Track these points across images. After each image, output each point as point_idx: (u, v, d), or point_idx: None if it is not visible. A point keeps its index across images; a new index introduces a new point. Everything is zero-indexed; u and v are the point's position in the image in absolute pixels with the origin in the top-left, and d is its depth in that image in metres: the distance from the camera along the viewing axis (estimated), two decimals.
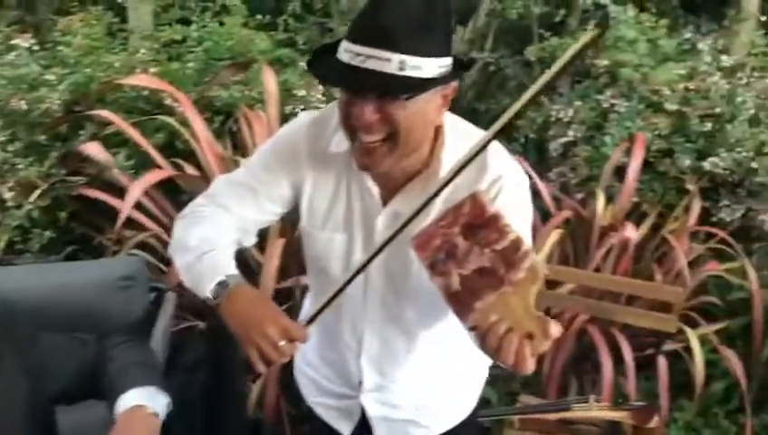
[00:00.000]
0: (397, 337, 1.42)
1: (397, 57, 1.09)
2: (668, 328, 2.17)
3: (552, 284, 2.58)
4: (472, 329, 1.04)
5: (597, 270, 2.64)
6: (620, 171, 3.07)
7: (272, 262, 2.36)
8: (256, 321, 1.19)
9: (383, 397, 1.49)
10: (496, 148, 1.26)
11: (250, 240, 1.42)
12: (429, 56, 1.11)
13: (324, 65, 1.18)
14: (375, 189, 1.28)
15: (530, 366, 1.02)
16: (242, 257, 2.67)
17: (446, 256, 1.06)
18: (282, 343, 1.18)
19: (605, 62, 3.44)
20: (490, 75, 4.12)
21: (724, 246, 2.91)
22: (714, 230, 2.93)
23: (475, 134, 1.25)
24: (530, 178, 3.11)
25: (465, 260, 1.05)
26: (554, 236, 2.62)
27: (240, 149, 2.92)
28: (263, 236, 2.61)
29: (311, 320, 1.24)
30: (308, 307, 1.59)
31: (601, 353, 2.48)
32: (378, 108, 1.13)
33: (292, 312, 2.40)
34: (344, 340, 1.44)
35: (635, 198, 3.07)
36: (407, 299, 1.35)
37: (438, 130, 1.25)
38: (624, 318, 2.29)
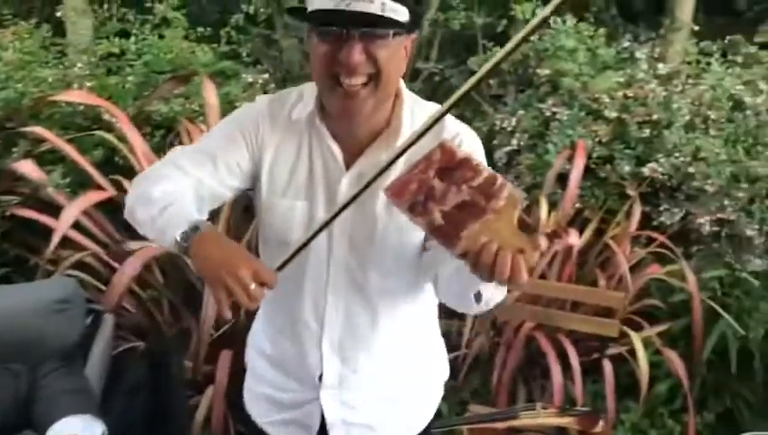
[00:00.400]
0: (360, 311, 1.40)
1: (378, 0, 1.18)
2: (611, 333, 2.20)
3: None
4: (462, 256, 1.06)
5: (542, 277, 2.66)
6: (563, 178, 3.12)
7: None
8: (228, 262, 1.17)
9: (344, 395, 1.45)
10: (450, 117, 1.33)
11: (203, 211, 1.37)
12: (401, 2, 1.21)
13: (310, 12, 1.23)
14: (338, 152, 1.32)
15: (524, 277, 1.06)
16: (184, 277, 2.65)
17: (424, 198, 1.09)
18: (252, 285, 1.16)
19: (546, 72, 3.49)
20: (435, 85, 4.15)
21: (664, 250, 2.98)
22: (654, 235, 2.99)
23: (426, 105, 1.36)
24: None
25: (444, 198, 1.08)
26: None
27: None
28: None
29: (281, 266, 1.22)
30: (258, 328, 1.56)
31: (550, 360, 2.50)
32: (363, 49, 1.20)
33: (236, 333, 2.38)
34: (304, 320, 1.41)
35: (578, 204, 3.12)
36: (371, 263, 1.35)
37: (398, 91, 1.32)
38: (569, 324, 2.32)
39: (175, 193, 1.29)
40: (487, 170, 1.10)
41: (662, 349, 2.75)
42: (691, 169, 3.03)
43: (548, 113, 3.33)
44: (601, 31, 3.67)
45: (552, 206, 3.11)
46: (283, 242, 1.34)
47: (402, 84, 1.34)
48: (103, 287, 2.43)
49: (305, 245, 1.22)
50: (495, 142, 3.46)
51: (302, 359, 1.44)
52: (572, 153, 3.10)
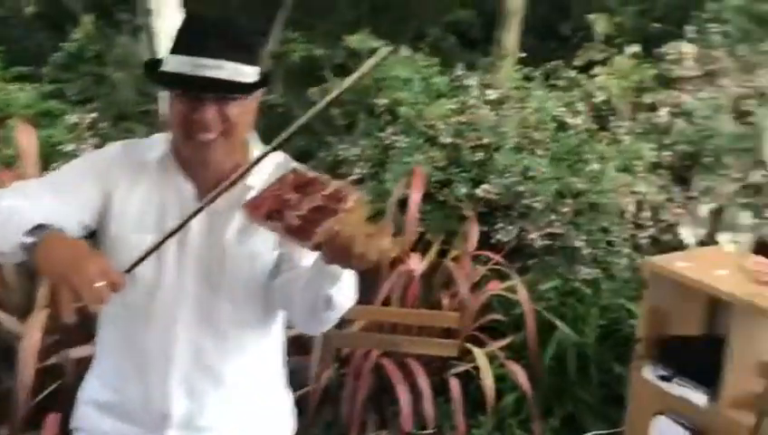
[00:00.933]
0: (210, 344, 1.41)
1: (230, 65, 1.31)
2: (451, 353, 2.26)
3: (340, 323, 2.60)
4: (317, 247, 1.15)
5: (385, 303, 2.70)
6: (405, 204, 3.20)
7: (33, 334, 2.15)
8: (74, 259, 1.15)
9: None
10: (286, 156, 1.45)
11: None
12: (251, 64, 1.34)
13: (166, 76, 1.34)
14: (191, 190, 1.40)
15: (374, 254, 1.13)
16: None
17: (280, 208, 1.19)
18: (99, 283, 1.13)
19: (384, 101, 3.59)
20: (278, 117, 4.14)
21: (503, 267, 3.11)
22: (490, 254, 3.11)
23: (278, 152, 1.43)
24: None
25: (299, 205, 1.19)
26: None
27: None
28: (26, 307, 2.40)
29: (131, 268, 1.22)
30: (92, 378, 1.51)
31: (396, 386, 2.52)
32: (216, 109, 1.31)
33: (63, 392, 2.22)
34: (151, 356, 1.40)
35: (420, 228, 3.20)
36: (223, 292, 1.40)
37: (248, 137, 1.44)
38: (411, 348, 2.36)
39: (20, 208, 1.28)
40: (335, 182, 1.24)
41: (506, 362, 2.86)
42: (521, 188, 3.20)
43: (387, 141, 3.42)
44: (434, 60, 3.83)
45: (398, 232, 3.18)
46: (131, 277, 1.30)
47: (252, 131, 1.45)
48: None
49: (155, 249, 1.24)
50: (341, 172, 3.50)
51: (147, 399, 1.43)
52: (411, 179, 3.18)
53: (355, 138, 3.61)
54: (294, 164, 1.39)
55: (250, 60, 1.34)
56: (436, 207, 3.29)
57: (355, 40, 3.67)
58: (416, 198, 3.11)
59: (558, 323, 2.96)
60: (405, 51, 3.80)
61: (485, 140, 3.37)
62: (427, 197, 3.29)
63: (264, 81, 1.38)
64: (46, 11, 6.98)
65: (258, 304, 1.43)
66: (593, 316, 3.05)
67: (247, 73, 1.33)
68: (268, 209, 1.20)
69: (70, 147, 2.86)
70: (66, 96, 3.47)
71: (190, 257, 1.38)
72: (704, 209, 2.85)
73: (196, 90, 1.31)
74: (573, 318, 3.07)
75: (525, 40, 4.88)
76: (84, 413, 1.51)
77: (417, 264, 2.80)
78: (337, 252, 1.15)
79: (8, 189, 1.39)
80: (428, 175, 3.30)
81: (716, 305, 2.59)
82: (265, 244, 1.39)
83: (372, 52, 3.68)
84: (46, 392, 2.27)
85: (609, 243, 3.23)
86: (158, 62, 1.39)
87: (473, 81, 3.75)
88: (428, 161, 3.32)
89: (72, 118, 3.03)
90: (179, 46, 1.34)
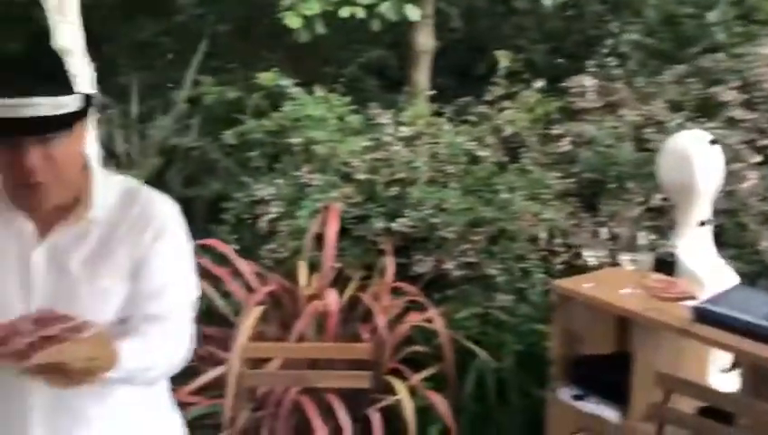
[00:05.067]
0: (72, 426, 1.36)
1: (47, 100, 1.22)
2: (364, 384, 2.26)
3: (259, 361, 2.58)
4: (37, 371, 1.16)
5: (302, 340, 2.68)
6: (323, 241, 3.22)
7: None
8: None
9: None
10: (145, 188, 1.44)
11: None
12: (69, 94, 1.27)
13: None
14: (29, 229, 1.34)
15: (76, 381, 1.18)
16: None
17: (9, 335, 1.17)
18: None
19: (299, 140, 3.62)
20: (195, 160, 4.13)
21: (421, 298, 3.15)
22: (407, 286, 3.15)
23: (116, 177, 1.45)
24: (229, 260, 3.14)
25: (32, 334, 1.16)
26: (255, 312, 2.63)
27: None
28: None
29: None
30: None
31: (314, 424, 2.50)
32: (40, 152, 1.24)
33: None
34: (10, 403, 1.35)
35: (338, 264, 3.22)
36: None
37: (84, 164, 1.38)
38: (325, 382, 2.35)
39: None
40: (82, 320, 1.22)
41: (427, 393, 2.87)
42: (435, 220, 3.27)
43: (304, 180, 3.44)
44: (347, 99, 3.90)
45: (315, 268, 3.18)
46: None
47: (88, 157, 1.39)
48: None
49: None
50: (257, 212, 3.50)
51: None
52: (326, 216, 3.21)
53: (272, 178, 3.61)
54: (145, 190, 1.41)
55: (65, 89, 1.27)
56: (354, 242, 3.32)
57: (267, 78, 3.71)
58: (331, 233, 3.14)
59: (476, 350, 3.01)
60: (319, 91, 3.85)
61: (400, 175, 3.44)
62: (344, 232, 3.32)
63: (85, 106, 1.31)
64: None
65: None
66: (510, 342, 3.11)
67: (66, 104, 1.26)
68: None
69: None
70: None
71: (36, 299, 1.31)
72: (604, 232, 2.97)
73: (12, 133, 1.22)
74: (492, 345, 3.12)
75: (440, 79, 5.03)
76: None
77: (333, 299, 2.81)
78: (52, 374, 1.16)
79: None
80: (344, 211, 3.34)
81: (625, 323, 2.69)
82: (115, 277, 1.35)
83: (283, 90, 3.73)
84: None
85: (524, 270, 3.31)
86: None
87: (386, 118, 3.82)
88: (344, 197, 3.36)
89: None
90: None
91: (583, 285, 2.69)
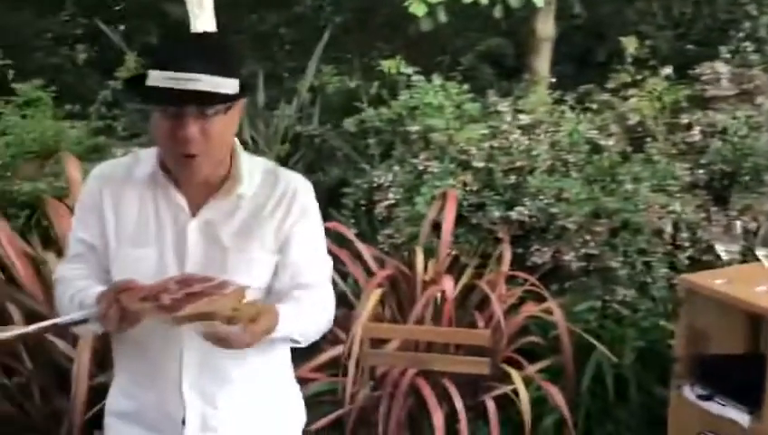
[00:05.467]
0: (217, 384, 1.48)
1: (209, 78, 1.33)
2: (482, 370, 2.27)
3: (376, 342, 2.64)
4: (183, 321, 1.26)
5: (419, 324, 2.72)
6: (439, 228, 3.25)
7: (84, 355, 2.25)
8: None
9: None
10: (283, 170, 1.55)
11: None
12: (229, 76, 1.36)
13: (145, 91, 1.36)
14: (184, 202, 1.45)
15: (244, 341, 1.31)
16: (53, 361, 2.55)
17: (157, 293, 1.27)
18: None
19: (417, 128, 3.66)
20: (317, 148, 4.25)
21: (539, 289, 3.11)
22: (526, 275, 3.12)
23: (256, 158, 1.55)
24: (352, 242, 3.23)
25: (176, 292, 1.27)
26: (375, 295, 2.69)
27: (51, 243, 2.80)
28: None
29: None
30: (113, 389, 1.58)
31: (430, 406, 2.54)
32: (198, 126, 1.34)
33: None
34: (162, 364, 1.47)
35: (454, 251, 3.23)
36: None
37: (233, 146, 1.47)
38: (443, 366, 2.38)
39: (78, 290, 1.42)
40: (222, 279, 1.34)
41: (543, 384, 2.84)
42: (555, 210, 3.21)
43: (421, 167, 3.47)
44: (465, 87, 3.89)
45: (431, 254, 3.22)
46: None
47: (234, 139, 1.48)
48: None
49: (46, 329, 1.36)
50: (375, 198, 3.57)
51: (162, 405, 1.49)
52: (444, 203, 3.23)
53: (389, 165, 3.67)
54: (284, 171, 1.51)
55: (227, 72, 1.36)
56: (470, 230, 3.32)
57: (388, 65, 3.75)
58: (449, 220, 3.15)
59: (596, 344, 2.94)
60: (437, 79, 3.87)
61: (518, 164, 3.40)
62: (461, 220, 3.33)
63: (242, 92, 1.40)
64: (96, 57, 7.35)
65: None
66: (631, 337, 3.01)
67: (226, 85, 1.35)
68: (146, 295, 1.27)
69: None
70: (114, 132, 3.64)
71: (189, 267, 1.43)
72: (738, 226, 2.81)
73: (175, 103, 1.33)
74: (611, 339, 3.04)
75: (559, 66, 4.92)
76: (109, 424, 1.58)
77: (450, 286, 2.83)
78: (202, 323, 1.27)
79: (62, 285, 1.49)
80: (461, 198, 3.34)
81: (758, 323, 2.55)
82: (263, 249, 1.46)
83: (404, 75, 3.77)
84: (94, 411, 2.35)
85: (647, 263, 3.20)
86: (140, 78, 1.41)
87: (505, 106, 3.79)
88: (461, 185, 3.36)
89: (119, 152, 3.19)
90: (157, 62, 1.36)
91: (714, 281, 2.56)
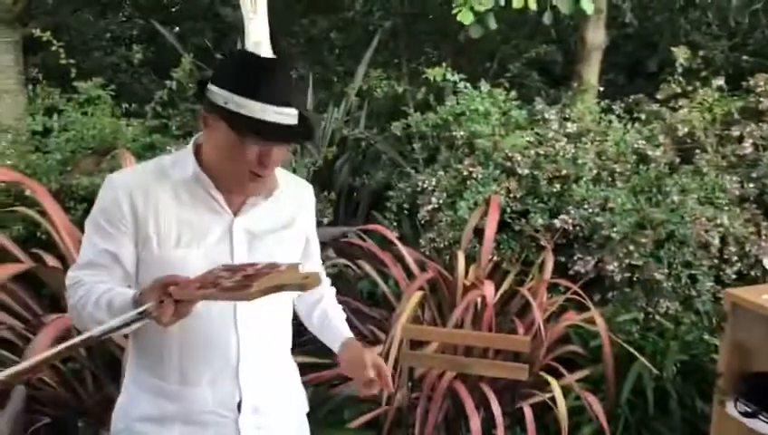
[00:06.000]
0: (259, 333, 1.57)
1: (295, 112, 1.41)
2: (521, 376, 2.27)
3: (416, 344, 2.68)
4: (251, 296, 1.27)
5: (459, 328, 2.74)
6: (482, 233, 3.26)
7: None
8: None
9: (259, 420, 1.58)
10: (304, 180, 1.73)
11: None
12: (305, 108, 1.50)
13: (254, 125, 1.39)
14: (223, 201, 1.51)
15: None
16: (105, 348, 2.65)
17: (214, 279, 1.31)
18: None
19: (462, 133, 3.68)
20: (363, 151, 4.31)
21: (581, 298, 3.10)
22: (568, 283, 3.11)
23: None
24: (392, 244, 3.26)
25: (233, 276, 1.31)
26: (415, 297, 2.72)
27: None
28: None
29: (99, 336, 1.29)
30: (140, 402, 1.58)
31: (468, 410, 2.55)
32: (280, 151, 1.46)
33: None
34: (217, 354, 1.52)
35: (495, 257, 3.24)
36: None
37: None
38: (482, 371, 2.39)
39: (108, 292, 1.41)
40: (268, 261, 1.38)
41: (582, 394, 2.83)
42: (599, 219, 3.19)
43: (465, 172, 3.49)
44: (512, 94, 3.89)
45: (472, 259, 3.23)
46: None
47: None
48: (19, 361, 2.41)
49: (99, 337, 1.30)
50: (419, 202, 3.60)
51: (216, 395, 1.54)
52: (487, 209, 3.24)
53: (433, 169, 3.70)
54: (295, 176, 1.67)
55: (305, 104, 1.46)
56: (513, 236, 3.33)
57: (434, 73, 3.79)
58: (491, 226, 3.16)
59: (637, 356, 2.91)
60: (485, 86, 3.88)
61: (564, 172, 3.39)
62: (504, 226, 3.34)
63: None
64: (152, 57, 7.56)
65: (289, 306, 1.68)
66: (674, 350, 2.98)
67: (307, 117, 1.45)
68: (201, 284, 1.29)
69: None
70: (169, 130, 3.77)
71: (239, 263, 1.51)
72: None
73: (286, 140, 1.45)
74: (653, 352, 3.01)
75: (608, 75, 4.88)
76: (141, 431, 1.55)
77: (490, 291, 2.84)
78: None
79: (82, 288, 1.45)
80: (505, 205, 3.35)
81: None
82: (297, 243, 1.64)
83: (450, 82, 3.79)
84: None
85: (692, 276, 3.16)
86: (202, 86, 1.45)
87: (552, 114, 3.78)
88: (505, 192, 3.37)
89: (173, 149, 3.30)
90: (250, 89, 1.36)
91: (761, 296, 2.52)
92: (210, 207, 1.50)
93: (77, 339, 1.25)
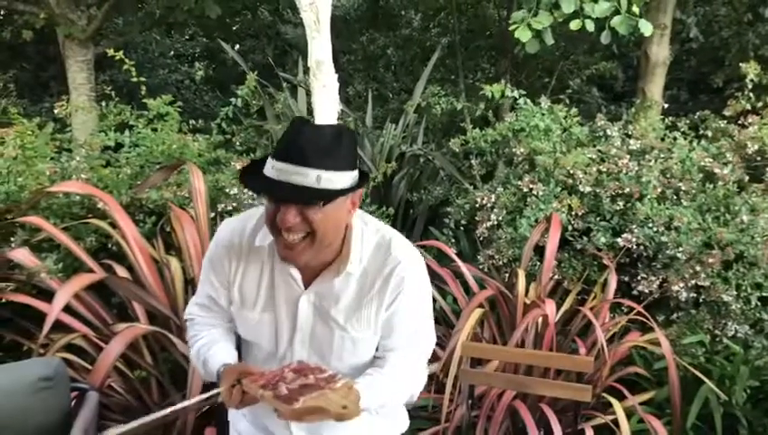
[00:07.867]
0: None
1: (314, 172, 1.34)
2: (584, 397, 2.23)
3: (475, 362, 2.66)
4: (297, 415, 1.34)
5: (520, 346, 2.71)
6: (543, 251, 3.22)
7: None
8: None
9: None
10: (397, 244, 1.52)
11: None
12: (340, 170, 1.36)
13: (255, 180, 1.41)
14: (297, 275, 1.50)
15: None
16: (171, 357, 2.72)
17: (276, 381, 1.40)
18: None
19: (522, 150, 3.65)
20: (421, 167, 4.32)
21: (645, 319, 3.02)
22: (631, 303, 3.04)
23: (374, 227, 1.54)
24: (452, 261, 3.24)
25: (293, 382, 1.39)
26: (475, 315, 2.71)
27: (173, 248, 2.99)
28: None
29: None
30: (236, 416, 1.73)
31: (529, 429, 2.52)
32: (299, 212, 1.37)
33: (216, 410, 2.42)
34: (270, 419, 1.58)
35: (557, 275, 3.20)
36: (326, 360, 1.53)
37: (347, 227, 1.49)
38: (544, 390, 2.35)
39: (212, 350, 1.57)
40: (332, 371, 1.42)
41: (646, 417, 2.75)
42: (664, 238, 3.12)
43: (525, 189, 3.46)
44: (574, 111, 3.85)
45: (532, 277, 3.20)
46: (254, 345, 1.60)
47: (358, 214, 1.52)
48: (90, 367, 2.50)
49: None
50: (477, 218, 3.59)
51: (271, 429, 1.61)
52: (548, 226, 3.20)
53: (492, 186, 3.68)
54: (395, 245, 1.49)
55: (339, 166, 1.35)
56: (574, 254, 3.28)
57: (494, 89, 3.77)
58: (552, 244, 3.12)
59: (704, 379, 2.82)
60: (545, 102, 3.85)
61: (627, 190, 3.33)
62: (565, 244, 3.29)
63: (360, 181, 1.41)
64: (213, 75, 7.79)
65: (361, 367, 1.56)
66: (743, 375, 2.87)
67: (334, 180, 1.35)
68: (265, 382, 1.38)
69: (233, 190, 3.18)
70: (232, 146, 3.86)
71: (300, 335, 1.53)
72: None
73: (277, 195, 1.36)
74: (720, 376, 2.92)
75: (673, 91, 4.79)
76: None
77: (552, 310, 2.80)
78: (312, 416, 1.32)
79: (194, 324, 1.65)
80: (566, 223, 3.31)
81: None
82: (368, 329, 1.51)
83: (509, 98, 3.78)
84: (204, 410, 2.50)
85: (762, 299, 3.05)
86: (261, 162, 1.43)
87: (614, 131, 3.72)
88: (566, 209, 3.33)
89: (237, 165, 3.38)
90: (276, 149, 1.37)
91: None
92: (283, 276, 1.51)
93: (160, 413, 1.51)
